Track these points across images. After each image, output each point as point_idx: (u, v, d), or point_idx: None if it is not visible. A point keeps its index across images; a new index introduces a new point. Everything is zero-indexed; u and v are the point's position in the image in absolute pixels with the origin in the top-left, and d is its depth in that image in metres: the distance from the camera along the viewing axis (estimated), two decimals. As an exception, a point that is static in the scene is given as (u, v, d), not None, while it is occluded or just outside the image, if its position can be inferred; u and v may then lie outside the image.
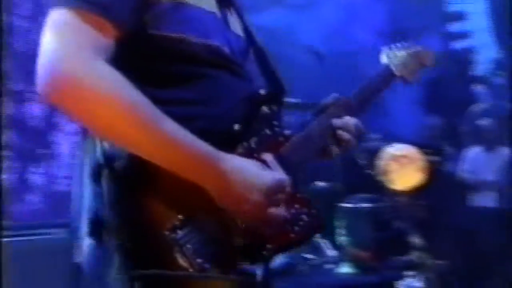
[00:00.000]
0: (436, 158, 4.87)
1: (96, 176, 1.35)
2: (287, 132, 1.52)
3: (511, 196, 5.99)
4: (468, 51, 8.14)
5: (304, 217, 1.48)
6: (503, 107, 6.47)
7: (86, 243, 1.40)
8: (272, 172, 1.40)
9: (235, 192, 1.32)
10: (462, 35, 8.47)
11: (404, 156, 4.48)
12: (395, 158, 4.45)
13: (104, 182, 1.32)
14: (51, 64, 1.24)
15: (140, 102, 1.27)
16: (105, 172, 1.33)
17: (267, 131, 1.47)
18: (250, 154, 1.42)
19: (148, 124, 1.26)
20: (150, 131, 1.26)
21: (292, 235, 1.45)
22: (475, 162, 6.18)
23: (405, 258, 4.17)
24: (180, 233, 1.29)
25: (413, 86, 1.97)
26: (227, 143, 1.38)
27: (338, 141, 1.60)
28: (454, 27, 8.61)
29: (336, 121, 1.61)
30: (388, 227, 4.39)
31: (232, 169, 1.33)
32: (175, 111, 1.30)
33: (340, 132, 1.60)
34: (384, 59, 1.85)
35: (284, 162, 1.45)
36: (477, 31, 8.42)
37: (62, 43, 1.26)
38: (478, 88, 7.03)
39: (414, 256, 4.08)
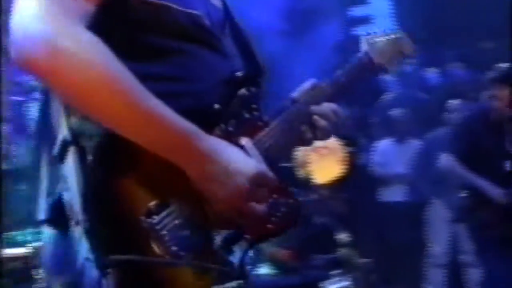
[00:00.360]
0: (353, 149, 5.02)
1: (60, 156, 1.35)
2: (265, 116, 1.57)
3: (422, 189, 6.31)
4: (371, 37, 8.41)
5: (282, 207, 1.53)
6: (413, 97, 6.79)
7: (46, 234, 1.43)
8: (256, 161, 1.45)
9: (215, 175, 1.37)
10: (364, 20, 8.80)
11: (324, 147, 4.56)
12: (315, 149, 4.52)
13: (71, 162, 1.32)
14: (27, 26, 1.26)
15: (122, 73, 1.29)
16: (72, 151, 1.33)
17: (246, 115, 1.52)
18: (227, 137, 1.46)
19: (130, 97, 1.29)
20: (131, 104, 1.29)
21: (270, 226, 1.50)
22: (385, 154, 6.45)
23: (329, 256, 4.26)
24: (155, 218, 1.32)
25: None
26: (205, 124, 1.40)
27: (315, 128, 1.65)
28: (355, 11, 8.95)
29: (314, 108, 1.65)
30: (309, 223, 4.46)
31: (214, 150, 1.37)
32: (152, 87, 1.33)
33: (317, 118, 1.64)
34: (364, 45, 1.89)
35: (262, 148, 1.50)
36: (379, 17, 8.78)
37: (40, 3, 1.27)
38: (386, 77, 7.31)
39: (339, 253, 4.18)
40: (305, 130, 1.64)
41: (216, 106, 1.46)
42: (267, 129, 1.55)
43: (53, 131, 1.39)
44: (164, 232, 1.32)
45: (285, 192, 1.54)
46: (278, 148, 1.56)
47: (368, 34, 1.92)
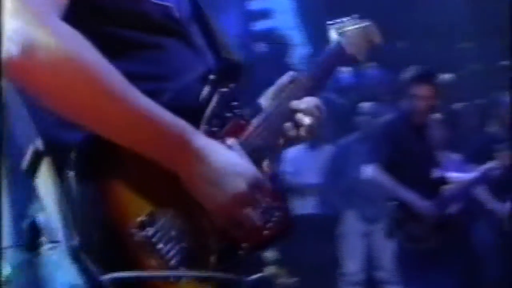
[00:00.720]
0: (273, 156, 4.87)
1: (31, 170, 1.34)
2: (247, 114, 1.59)
3: (334, 200, 6.30)
4: (273, 32, 8.44)
5: (276, 212, 1.54)
6: (325, 98, 6.75)
7: (17, 260, 1.41)
8: (251, 164, 1.46)
9: (211, 176, 1.37)
10: (263, 14, 8.80)
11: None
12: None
13: (46, 176, 1.32)
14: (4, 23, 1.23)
15: (106, 68, 1.29)
16: (46, 163, 1.32)
17: (227, 113, 1.53)
18: (212, 138, 1.46)
19: (116, 93, 1.28)
20: (118, 101, 1.29)
21: (266, 233, 1.50)
22: (296, 162, 6.35)
23: (255, 276, 4.06)
24: (149, 230, 1.31)
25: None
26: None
27: (299, 126, 1.66)
28: (253, 5, 8.93)
29: (297, 104, 1.67)
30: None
31: (210, 150, 1.38)
32: None
33: (300, 116, 1.66)
34: (333, 35, 1.96)
35: (249, 149, 1.50)
36: (279, 11, 8.80)
37: None
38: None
39: (266, 273, 4.00)
40: (289, 129, 1.65)
41: (202, 95, 1.48)
42: (251, 129, 1.56)
43: (17, 142, 1.38)
44: (161, 245, 1.32)
45: (277, 196, 1.55)
46: (264, 149, 1.57)
47: (336, 23, 1.99)
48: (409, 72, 5.08)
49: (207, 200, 1.38)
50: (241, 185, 1.39)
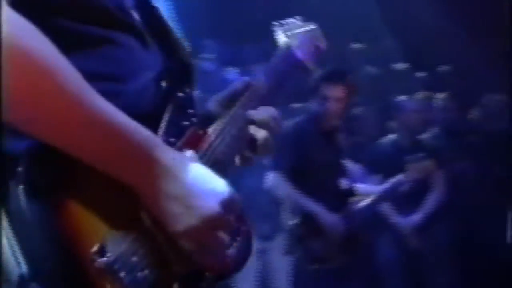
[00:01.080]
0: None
1: None
2: (203, 122, 1.59)
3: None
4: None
5: (237, 236, 1.52)
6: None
7: None
8: (224, 181, 1.42)
9: (179, 195, 1.31)
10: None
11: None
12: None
13: None
14: None
15: (64, 65, 1.21)
16: None
17: (184, 121, 1.50)
18: None
19: (76, 96, 1.21)
20: (77, 105, 1.21)
21: (228, 260, 1.48)
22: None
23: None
24: (109, 256, 1.26)
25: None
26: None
27: (254, 139, 1.68)
28: None
29: (252, 114, 1.68)
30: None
31: (178, 165, 1.33)
32: None
33: (254, 128, 1.68)
34: (282, 38, 1.96)
35: (208, 164, 1.47)
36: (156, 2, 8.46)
37: None
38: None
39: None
40: (245, 143, 1.67)
41: (158, 99, 1.44)
42: (209, 140, 1.55)
43: None
44: (123, 273, 1.26)
45: (238, 218, 1.50)
46: (223, 164, 1.55)
47: (282, 24, 2.00)
48: (318, 72, 4.88)
49: (175, 221, 1.32)
50: (214, 206, 1.33)
